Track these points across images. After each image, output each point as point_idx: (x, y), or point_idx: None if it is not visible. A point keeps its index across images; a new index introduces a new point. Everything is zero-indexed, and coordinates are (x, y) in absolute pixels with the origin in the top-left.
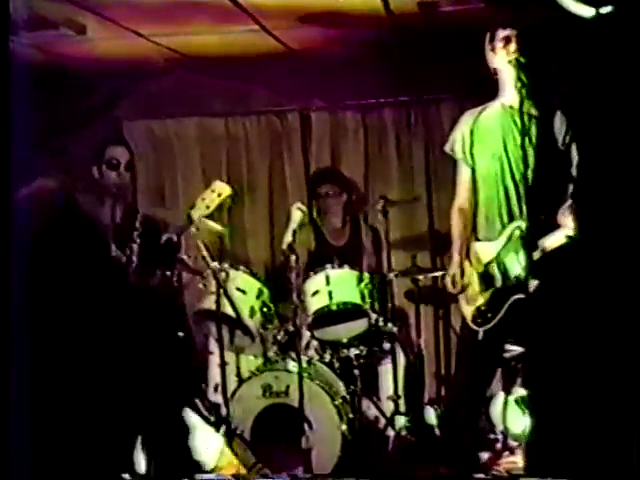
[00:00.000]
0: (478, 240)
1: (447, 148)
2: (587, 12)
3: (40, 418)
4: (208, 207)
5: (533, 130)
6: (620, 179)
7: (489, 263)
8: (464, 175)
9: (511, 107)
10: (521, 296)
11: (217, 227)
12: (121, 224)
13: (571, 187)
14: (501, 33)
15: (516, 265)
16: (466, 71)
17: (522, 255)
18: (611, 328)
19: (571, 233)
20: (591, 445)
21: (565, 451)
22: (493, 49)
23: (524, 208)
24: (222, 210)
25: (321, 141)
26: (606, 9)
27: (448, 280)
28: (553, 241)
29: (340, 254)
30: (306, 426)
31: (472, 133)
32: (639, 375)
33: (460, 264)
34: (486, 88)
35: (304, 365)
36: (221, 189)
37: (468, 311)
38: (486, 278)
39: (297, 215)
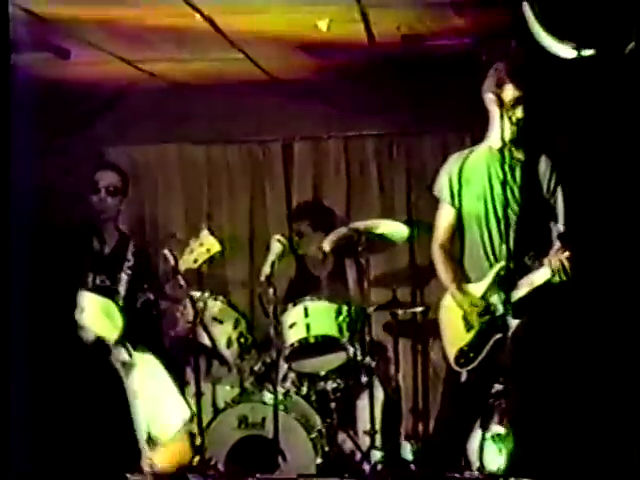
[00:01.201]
0: (467, 282)
1: (435, 190)
2: (569, 54)
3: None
4: (196, 261)
5: (518, 173)
6: (606, 220)
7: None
8: (447, 216)
9: (498, 150)
10: (503, 335)
11: None
12: (113, 252)
13: (557, 230)
14: (510, 91)
15: (501, 305)
16: (449, 103)
17: (507, 295)
18: (593, 365)
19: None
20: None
21: None
22: (496, 95)
23: (509, 249)
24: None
25: (303, 171)
26: (588, 52)
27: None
28: (539, 277)
29: (321, 285)
30: (280, 459)
31: (460, 175)
32: (625, 410)
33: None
34: (469, 121)
35: (280, 397)
36: (210, 245)
37: (451, 352)
38: (467, 319)
39: (276, 247)
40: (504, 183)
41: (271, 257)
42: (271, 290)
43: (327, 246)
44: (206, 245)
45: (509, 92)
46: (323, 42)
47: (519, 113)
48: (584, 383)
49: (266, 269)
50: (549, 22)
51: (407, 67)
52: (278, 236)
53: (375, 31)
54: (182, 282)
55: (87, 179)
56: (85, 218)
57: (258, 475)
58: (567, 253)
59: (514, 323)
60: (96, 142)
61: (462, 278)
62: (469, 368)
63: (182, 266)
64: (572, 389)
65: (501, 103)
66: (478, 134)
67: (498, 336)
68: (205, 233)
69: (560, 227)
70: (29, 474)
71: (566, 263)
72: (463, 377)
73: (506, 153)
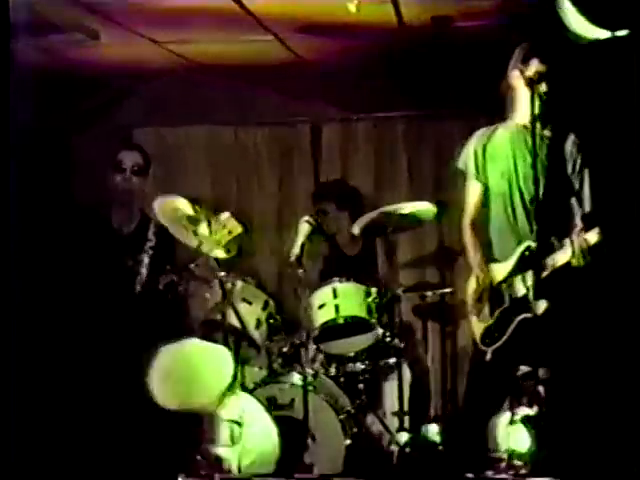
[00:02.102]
0: (493, 260)
1: (459, 164)
2: (602, 35)
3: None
4: (218, 243)
5: (544, 151)
6: (629, 201)
7: (500, 283)
8: (474, 191)
9: (525, 127)
10: (528, 315)
11: None
12: (134, 232)
13: (580, 211)
14: (534, 65)
15: (525, 285)
16: (478, 86)
17: (531, 275)
18: (618, 346)
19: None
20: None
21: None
22: (521, 72)
23: (534, 228)
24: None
25: (331, 153)
26: (622, 32)
27: (470, 297)
28: (561, 258)
29: (352, 264)
30: (310, 440)
31: (485, 150)
32: None
33: (481, 280)
34: (497, 104)
35: (309, 378)
36: (233, 227)
37: (478, 331)
38: (496, 298)
39: (305, 227)
40: (531, 161)
41: (300, 238)
42: (300, 271)
43: (357, 229)
44: (229, 227)
45: (534, 67)
46: (352, 24)
47: (543, 88)
48: (612, 364)
49: (295, 250)
50: (582, 2)
51: (436, 49)
52: (307, 217)
53: (404, 13)
54: (212, 262)
55: (112, 160)
56: (109, 199)
57: (297, 475)
58: (589, 234)
59: (539, 303)
60: (124, 124)
61: (489, 256)
62: (494, 347)
63: (204, 248)
64: (599, 370)
65: (526, 79)
66: (507, 116)
67: (523, 316)
68: (227, 215)
69: (585, 207)
70: None
71: (584, 245)
72: (488, 356)
73: (532, 130)
